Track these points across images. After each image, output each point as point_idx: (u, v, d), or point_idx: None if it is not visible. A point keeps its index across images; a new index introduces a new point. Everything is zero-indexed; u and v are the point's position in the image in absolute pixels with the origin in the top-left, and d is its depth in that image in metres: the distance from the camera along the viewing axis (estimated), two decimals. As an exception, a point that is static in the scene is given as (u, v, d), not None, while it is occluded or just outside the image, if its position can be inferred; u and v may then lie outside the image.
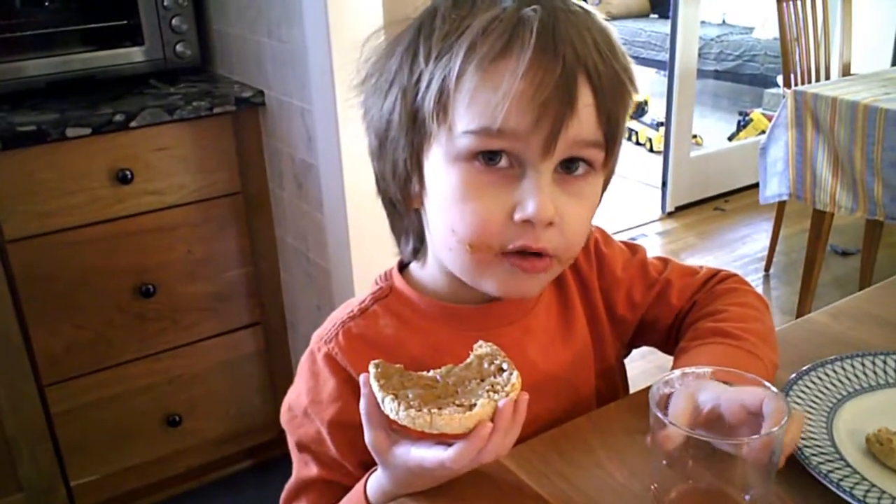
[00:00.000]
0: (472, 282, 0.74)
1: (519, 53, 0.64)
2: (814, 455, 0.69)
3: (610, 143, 0.69)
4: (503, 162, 0.67)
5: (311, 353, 0.80)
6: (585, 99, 0.66)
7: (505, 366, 0.67)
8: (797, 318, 1.58)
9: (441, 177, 0.70)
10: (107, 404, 1.93)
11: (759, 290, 3.22)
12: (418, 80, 0.68)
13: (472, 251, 0.69)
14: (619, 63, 0.69)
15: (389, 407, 0.62)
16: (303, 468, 0.80)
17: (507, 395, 0.63)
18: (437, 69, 0.67)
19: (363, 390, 0.65)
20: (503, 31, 0.65)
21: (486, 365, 0.68)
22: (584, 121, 0.66)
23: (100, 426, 1.94)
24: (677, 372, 0.68)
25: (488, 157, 0.67)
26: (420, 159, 0.71)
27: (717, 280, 0.92)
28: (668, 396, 0.66)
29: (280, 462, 2.17)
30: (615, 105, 0.68)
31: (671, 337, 0.91)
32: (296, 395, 0.81)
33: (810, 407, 0.77)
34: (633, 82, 0.70)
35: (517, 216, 0.67)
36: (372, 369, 0.65)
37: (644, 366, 1.46)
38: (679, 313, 0.90)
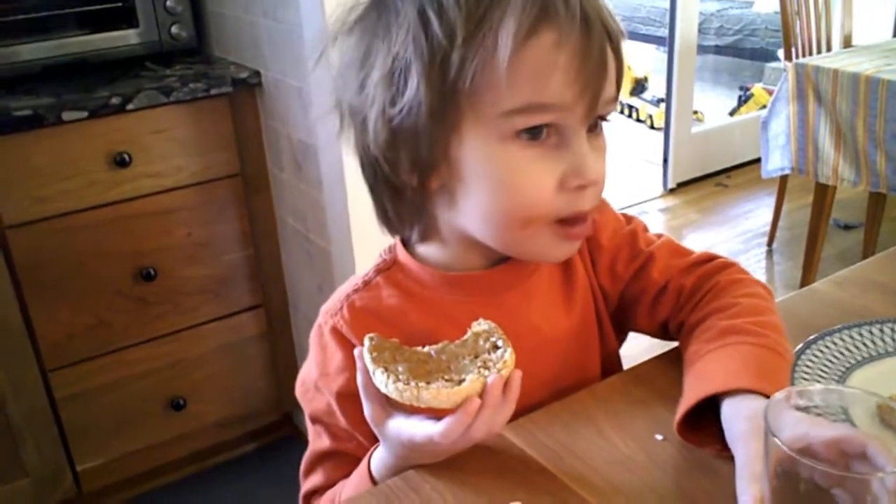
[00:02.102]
0: (514, 253, 0.76)
1: (558, 26, 0.64)
2: (823, 423, 0.69)
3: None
4: (546, 134, 0.67)
5: (319, 326, 0.81)
6: (610, 62, 0.68)
7: (500, 343, 0.66)
8: (801, 290, 1.57)
9: (482, 159, 0.68)
10: (110, 389, 1.93)
11: (762, 264, 3.23)
12: (444, 64, 0.65)
13: (524, 226, 0.70)
14: (619, 26, 0.70)
15: (379, 379, 0.63)
16: (317, 440, 0.81)
17: (498, 372, 0.63)
18: (469, 51, 0.64)
19: (358, 364, 0.65)
20: (536, 4, 0.64)
21: (481, 342, 0.68)
22: (611, 82, 0.68)
23: (104, 411, 1.94)
24: (818, 386, 0.64)
25: (532, 132, 0.67)
26: (448, 145, 0.69)
27: (715, 267, 0.86)
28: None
29: (284, 444, 2.18)
30: (622, 59, 0.70)
31: (654, 317, 0.86)
32: (307, 370, 0.82)
33: (819, 376, 0.76)
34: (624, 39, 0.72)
35: (575, 183, 0.68)
36: (366, 342, 0.66)
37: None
38: (660, 291, 0.85)
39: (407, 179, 0.72)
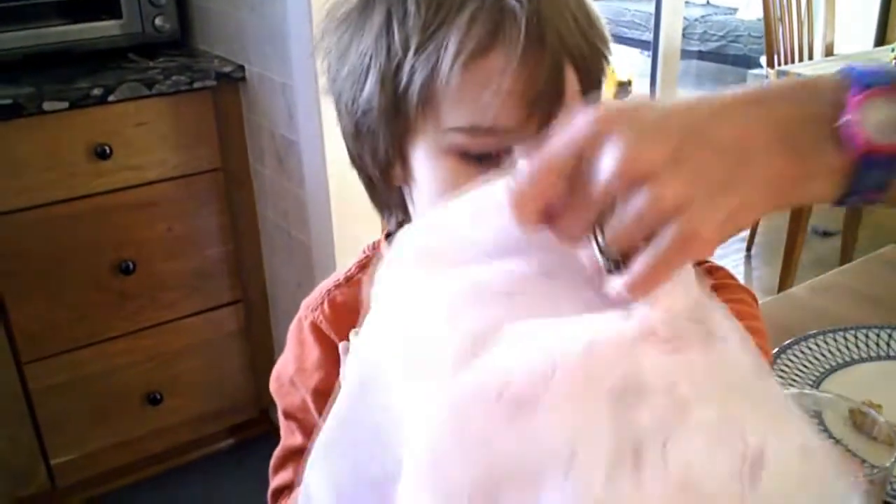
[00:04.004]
0: None
1: (507, 48, 0.62)
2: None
3: None
4: (494, 154, 0.65)
5: (299, 320, 0.80)
6: (572, 86, 0.64)
7: None
8: (779, 295, 1.58)
9: (428, 170, 0.68)
10: (87, 382, 1.91)
11: (741, 269, 3.25)
12: (397, 71, 0.65)
13: None
14: (598, 34, 0.67)
15: None
16: (289, 436, 0.81)
17: None
18: (418, 63, 0.64)
19: (342, 358, 0.65)
20: (488, 23, 0.62)
21: None
22: (572, 106, 0.64)
23: (80, 404, 1.92)
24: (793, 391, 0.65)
25: (478, 155, 0.65)
26: (403, 147, 0.69)
27: (702, 271, 0.83)
28: None
29: (261, 440, 2.17)
30: (597, 81, 0.67)
31: None
32: (283, 364, 0.81)
33: (794, 380, 0.77)
34: (608, 46, 0.69)
35: None
36: (352, 338, 0.65)
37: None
38: None
39: (371, 172, 0.72)
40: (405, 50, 0.65)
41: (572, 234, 0.43)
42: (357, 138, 0.71)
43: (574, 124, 0.42)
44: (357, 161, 0.74)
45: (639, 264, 0.41)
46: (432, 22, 0.64)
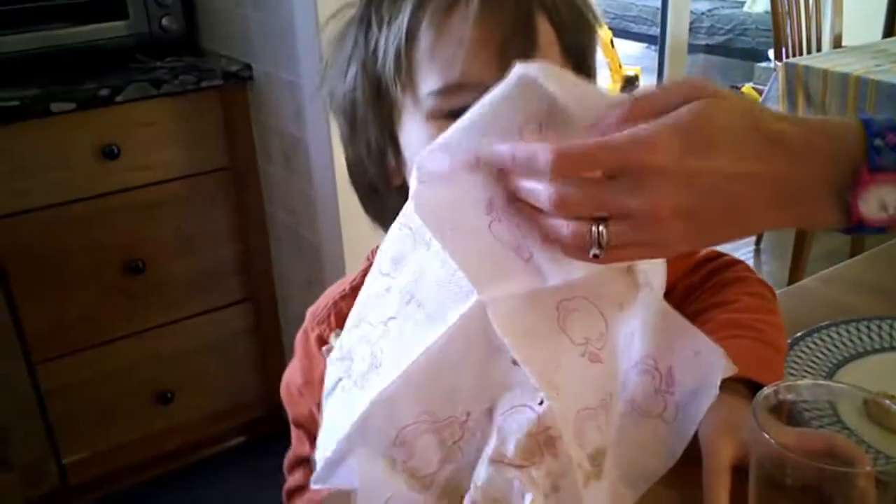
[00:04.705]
0: None
1: (466, 2, 0.62)
2: (813, 419, 0.69)
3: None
4: None
5: (305, 331, 0.80)
6: (547, 37, 0.63)
7: None
8: (789, 288, 1.57)
9: (416, 146, 0.66)
10: (97, 382, 1.92)
11: (750, 264, 3.23)
12: (375, 50, 0.66)
13: None
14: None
15: None
16: (299, 444, 0.81)
17: None
18: (390, 33, 0.65)
19: (326, 360, 0.65)
20: None
21: None
22: (550, 60, 0.63)
23: (91, 404, 1.93)
24: (807, 382, 0.65)
25: (457, 115, 0.62)
26: (392, 131, 0.69)
27: (720, 265, 0.85)
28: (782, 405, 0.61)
29: (272, 438, 2.17)
30: (579, 39, 0.66)
31: None
32: (292, 373, 0.81)
33: (807, 372, 0.77)
34: (595, 15, 0.68)
35: None
36: (333, 340, 0.66)
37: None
38: (669, 292, 0.86)
39: (371, 174, 0.72)
40: (380, 27, 0.66)
41: (572, 210, 0.48)
42: (353, 138, 0.71)
43: (621, 148, 0.46)
44: (357, 168, 0.74)
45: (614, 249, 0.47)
46: None
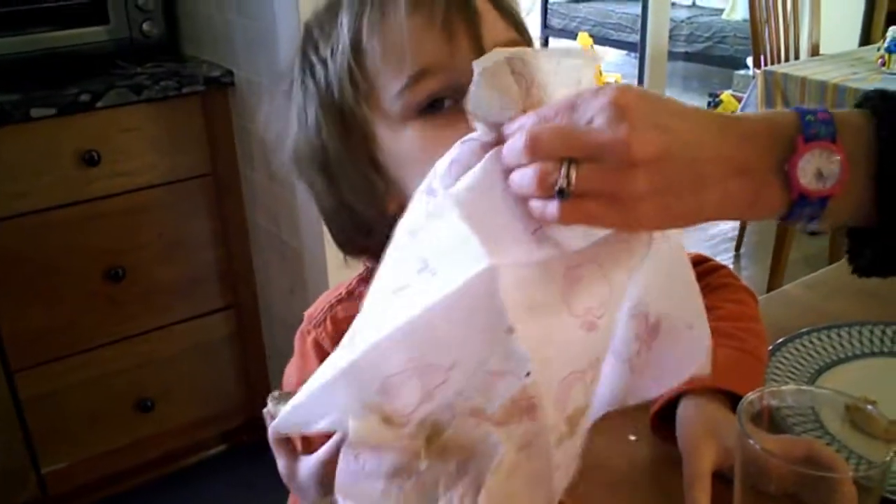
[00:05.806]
0: None
1: None
2: (796, 425, 0.70)
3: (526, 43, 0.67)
4: (447, 103, 0.63)
5: (302, 334, 0.80)
6: (483, 4, 0.64)
7: None
8: (770, 294, 1.59)
9: (400, 151, 0.66)
10: (78, 390, 1.90)
11: (730, 268, 3.26)
12: (327, 82, 0.66)
13: None
14: None
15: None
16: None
17: None
18: (335, 57, 0.65)
19: (266, 421, 0.65)
20: None
21: None
22: (493, 22, 0.64)
23: (71, 412, 1.91)
24: (790, 387, 0.66)
25: (430, 108, 0.63)
26: (372, 156, 0.67)
27: (704, 270, 0.86)
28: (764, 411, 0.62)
29: (253, 446, 2.16)
30: (510, 4, 0.67)
31: None
32: (288, 375, 0.81)
33: (789, 378, 0.77)
34: None
35: None
36: (270, 402, 0.65)
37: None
38: None
39: (366, 214, 0.70)
40: (322, 61, 0.66)
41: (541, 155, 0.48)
42: (331, 185, 0.69)
43: (593, 98, 0.48)
44: (338, 215, 0.73)
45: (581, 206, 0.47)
46: (331, 19, 0.66)
